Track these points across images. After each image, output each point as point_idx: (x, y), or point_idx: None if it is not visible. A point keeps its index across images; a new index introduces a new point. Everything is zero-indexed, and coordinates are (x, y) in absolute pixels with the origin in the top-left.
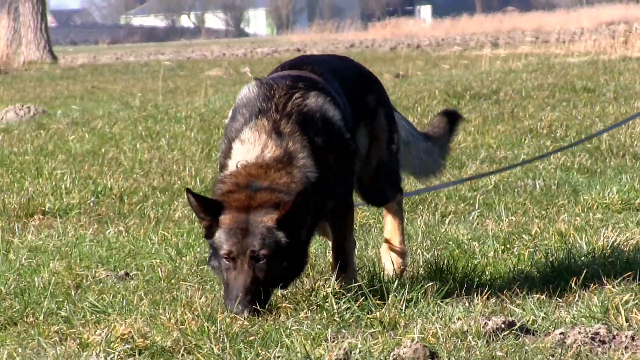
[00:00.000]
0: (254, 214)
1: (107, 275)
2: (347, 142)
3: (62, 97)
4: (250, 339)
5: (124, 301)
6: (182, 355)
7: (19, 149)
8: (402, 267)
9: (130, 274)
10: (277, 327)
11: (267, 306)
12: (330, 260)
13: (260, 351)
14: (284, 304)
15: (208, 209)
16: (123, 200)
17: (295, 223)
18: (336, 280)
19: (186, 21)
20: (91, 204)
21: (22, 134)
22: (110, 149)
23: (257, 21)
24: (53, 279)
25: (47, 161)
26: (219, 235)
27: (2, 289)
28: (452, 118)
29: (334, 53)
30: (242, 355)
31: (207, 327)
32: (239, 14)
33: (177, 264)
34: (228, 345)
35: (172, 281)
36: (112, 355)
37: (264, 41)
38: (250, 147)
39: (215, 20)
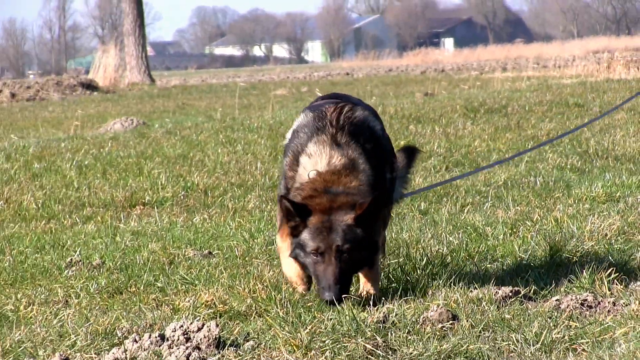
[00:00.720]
0: (336, 215)
1: (194, 254)
2: (384, 147)
3: (158, 112)
4: (308, 304)
5: (208, 274)
6: (254, 317)
7: (124, 153)
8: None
9: (213, 253)
10: None
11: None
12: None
13: (316, 314)
14: None
15: (299, 212)
16: (207, 193)
17: (369, 220)
18: (366, 278)
19: (258, 51)
20: (181, 197)
21: (127, 141)
22: (196, 153)
23: (314, 51)
24: (151, 257)
25: (147, 163)
26: (306, 234)
27: (111, 264)
28: (410, 153)
29: (376, 76)
30: (302, 318)
31: (274, 295)
32: (300, 45)
33: (250, 245)
34: (290, 310)
35: (246, 258)
36: (198, 318)
37: (320, 67)
38: (318, 159)
39: (281, 50)
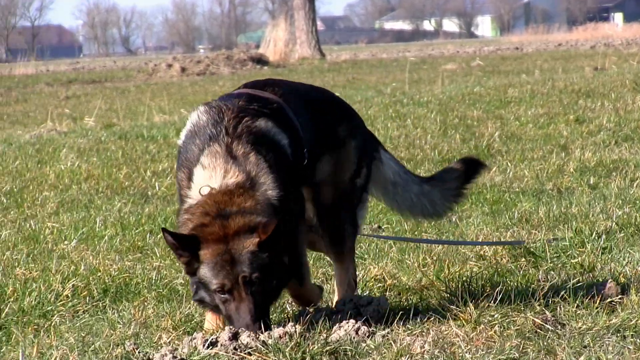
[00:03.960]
0: (234, 242)
1: (364, 228)
2: (292, 163)
3: (328, 86)
4: (482, 282)
5: (377, 249)
6: (422, 291)
7: None
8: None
9: (382, 227)
10: (495, 270)
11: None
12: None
13: (486, 288)
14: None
15: (186, 245)
16: None
17: (275, 243)
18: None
19: (427, 25)
20: None
21: None
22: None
23: (484, 25)
24: None
25: None
26: (205, 270)
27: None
28: (470, 165)
29: (545, 50)
30: (471, 292)
31: (443, 269)
32: (470, 20)
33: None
34: (454, 285)
35: (415, 233)
36: (367, 292)
37: (490, 41)
38: (212, 173)
39: (450, 24)
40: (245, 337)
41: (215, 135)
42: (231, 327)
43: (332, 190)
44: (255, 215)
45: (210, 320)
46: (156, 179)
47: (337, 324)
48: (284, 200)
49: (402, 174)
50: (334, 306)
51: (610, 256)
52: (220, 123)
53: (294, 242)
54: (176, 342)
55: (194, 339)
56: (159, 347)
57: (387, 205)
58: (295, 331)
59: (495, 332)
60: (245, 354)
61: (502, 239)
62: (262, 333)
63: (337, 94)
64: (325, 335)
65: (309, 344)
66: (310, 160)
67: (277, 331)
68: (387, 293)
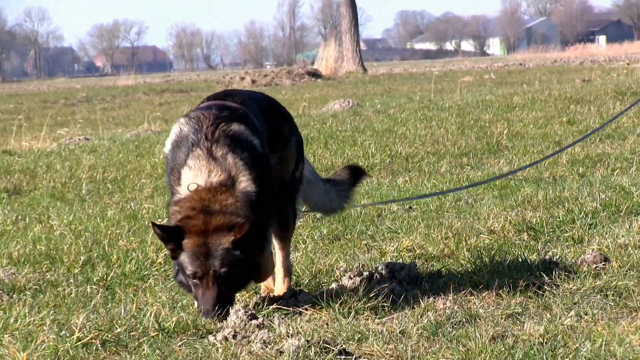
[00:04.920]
0: (212, 237)
1: (398, 209)
2: (267, 163)
3: (369, 95)
4: (492, 252)
5: (408, 225)
6: (446, 259)
7: (342, 127)
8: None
9: (412, 208)
10: (503, 242)
11: (234, 304)
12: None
13: (495, 257)
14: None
15: (171, 236)
16: (408, 160)
17: (247, 242)
18: (275, 282)
19: (449, 46)
20: (387, 163)
21: (344, 118)
22: (399, 128)
23: (494, 46)
24: (363, 211)
25: (360, 136)
26: (184, 257)
27: (329, 217)
28: (355, 172)
29: (543, 66)
30: (484, 260)
31: (463, 241)
32: (483, 41)
33: (442, 201)
34: (476, 253)
35: (439, 212)
36: (400, 260)
37: (498, 59)
38: (198, 172)
39: (467, 45)
40: (303, 295)
41: (197, 142)
42: (197, 305)
43: (278, 182)
44: (235, 216)
45: None
46: None
47: (377, 286)
48: (260, 196)
49: (314, 173)
50: (276, 293)
51: (595, 231)
52: (200, 131)
53: (265, 233)
54: (246, 299)
55: (261, 297)
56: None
57: (300, 196)
58: (343, 290)
59: (503, 291)
60: (302, 308)
61: (508, 218)
62: (219, 320)
63: (375, 101)
64: (367, 293)
65: (353, 301)
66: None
67: (328, 291)
68: (416, 260)
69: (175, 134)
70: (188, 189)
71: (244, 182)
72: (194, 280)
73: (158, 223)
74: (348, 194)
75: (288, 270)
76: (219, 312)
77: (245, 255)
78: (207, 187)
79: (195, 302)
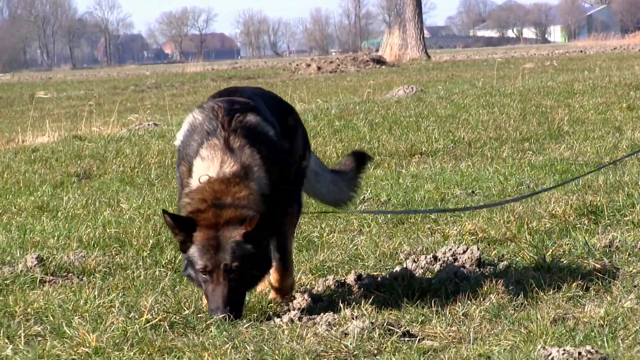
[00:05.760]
0: (223, 230)
1: (460, 193)
2: (283, 154)
3: (432, 81)
4: (554, 235)
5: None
6: (507, 242)
7: (405, 113)
8: (288, 293)
9: (475, 192)
10: (564, 226)
11: (244, 306)
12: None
13: (557, 240)
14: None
15: (182, 227)
16: (470, 145)
17: (259, 235)
18: (278, 277)
19: (511, 33)
20: (450, 148)
21: (408, 104)
22: (462, 114)
23: (556, 33)
24: (426, 195)
25: (423, 121)
26: (193, 250)
27: (395, 201)
28: (360, 158)
29: (603, 53)
30: (545, 243)
31: (524, 225)
32: (544, 29)
33: (504, 186)
34: (536, 236)
35: (501, 196)
36: (462, 243)
37: (559, 46)
38: (210, 163)
39: (529, 32)
40: (367, 278)
41: (212, 131)
42: (207, 302)
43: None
44: (246, 209)
45: None
46: None
47: (440, 268)
48: (274, 189)
49: (320, 164)
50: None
51: None
52: (215, 119)
53: (282, 231)
54: (313, 282)
55: (327, 280)
56: (299, 286)
57: (306, 189)
58: (406, 273)
59: (564, 274)
60: (367, 291)
61: (569, 202)
62: (231, 318)
63: (439, 87)
64: (430, 276)
65: (417, 284)
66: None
67: (392, 274)
68: (479, 244)
69: (188, 124)
70: (199, 181)
71: (258, 175)
72: (204, 276)
73: (170, 212)
74: (355, 182)
75: (290, 261)
76: (229, 311)
77: (257, 250)
78: (219, 178)
79: (205, 299)
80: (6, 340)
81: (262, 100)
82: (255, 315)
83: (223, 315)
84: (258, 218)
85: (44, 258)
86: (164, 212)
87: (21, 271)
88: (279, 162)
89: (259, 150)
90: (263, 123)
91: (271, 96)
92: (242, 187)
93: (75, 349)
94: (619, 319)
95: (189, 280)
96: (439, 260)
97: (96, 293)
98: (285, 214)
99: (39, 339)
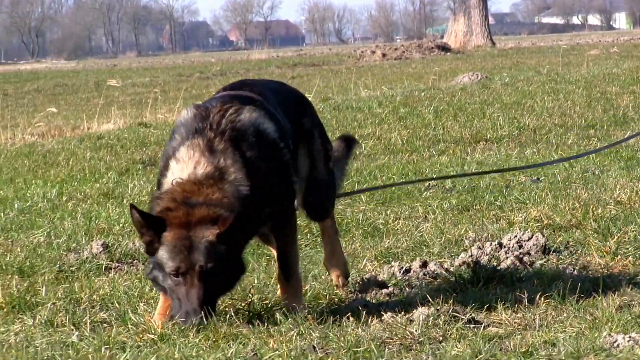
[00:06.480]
0: (195, 230)
1: (525, 179)
2: (282, 152)
3: (497, 68)
4: (619, 222)
5: (536, 195)
6: (573, 229)
7: (470, 100)
8: (345, 278)
9: (540, 179)
10: (630, 212)
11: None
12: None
13: (622, 227)
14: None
15: (151, 225)
16: (535, 132)
17: (234, 237)
18: (282, 290)
19: (576, 20)
20: (515, 135)
21: (473, 91)
22: (527, 100)
23: (621, 20)
24: (492, 182)
25: (488, 108)
26: (163, 252)
27: (460, 187)
28: (349, 142)
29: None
30: (610, 230)
31: (590, 211)
32: (609, 15)
33: (569, 172)
34: (602, 222)
35: (567, 183)
36: (528, 229)
37: (625, 33)
38: (184, 165)
39: (594, 19)
40: (432, 265)
41: (200, 130)
42: (176, 306)
43: (313, 179)
44: (220, 208)
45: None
46: (362, 140)
47: (505, 255)
48: (261, 192)
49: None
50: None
51: None
52: (205, 119)
53: (279, 235)
54: (377, 269)
55: (392, 267)
56: (364, 273)
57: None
58: (471, 260)
59: (629, 261)
60: (432, 278)
61: (635, 189)
62: (204, 321)
63: (504, 74)
64: (495, 263)
65: (482, 271)
66: (292, 153)
67: (457, 260)
68: (544, 230)
69: (180, 120)
70: (172, 184)
71: (235, 176)
72: (176, 279)
73: (138, 208)
74: (343, 170)
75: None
76: (204, 315)
77: (230, 252)
78: (190, 180)
79: (175, 303)
80: (72, 327)
81: (275, 95)
82: (321, 302)
83: (199, 319)
84: (232, 218)
85: (110, 245)
86: (132, 206)
87: (87, 258)
88: (273, 161)
89: (244, 152)
90: (261, 120)
91: (288, 90)
92: (215, 189)
93: (140, 336)
94: None
95: (152, 284)
96: (504, 247)
97: None
98: (281, 218)
99: (105, 325)
